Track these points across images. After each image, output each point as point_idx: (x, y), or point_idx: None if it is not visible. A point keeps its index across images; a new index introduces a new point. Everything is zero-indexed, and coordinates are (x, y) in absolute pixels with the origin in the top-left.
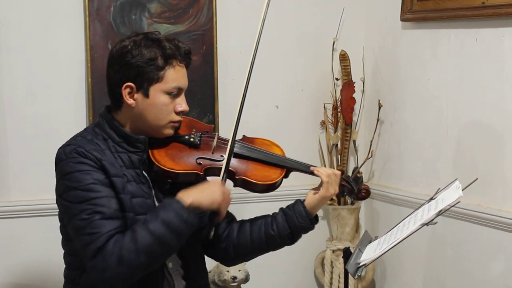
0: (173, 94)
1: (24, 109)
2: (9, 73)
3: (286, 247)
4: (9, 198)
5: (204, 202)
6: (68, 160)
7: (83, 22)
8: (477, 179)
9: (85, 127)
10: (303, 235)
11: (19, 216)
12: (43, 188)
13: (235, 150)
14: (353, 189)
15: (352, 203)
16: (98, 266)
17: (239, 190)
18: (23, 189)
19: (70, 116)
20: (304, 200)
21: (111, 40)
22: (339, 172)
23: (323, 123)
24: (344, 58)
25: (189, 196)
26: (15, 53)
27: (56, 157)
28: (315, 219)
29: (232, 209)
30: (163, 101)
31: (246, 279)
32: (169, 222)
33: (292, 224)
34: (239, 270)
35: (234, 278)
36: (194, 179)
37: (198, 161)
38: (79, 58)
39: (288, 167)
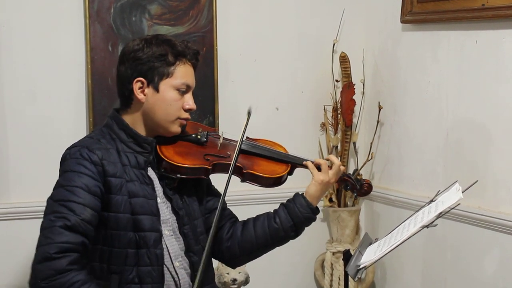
0: (182, 90)
1: (25, 111)
2: (10, 74)
3: (286, 249)
4: (10, 199)
5: None
6: (70, 159)
7: (83, 23)
8: (477, 181)
9: (85, 128)
10: (304, 232)
11: (20, 218)
12: (44, 190)
13: (241, 147)
14: (355, 184)
15: (356, 198)
16: (39, 272)
17: (242, 192)
18: (23, 191)
19: (70, 117)
20: (303, 192)
21: (111, 41)
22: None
23: (323, 125)
24: (344, 60)
25: None
26: (16, 54)
27: (61, 158)
28: (316, 209)
29: (235, 210)
30: (172, 96)
31: (246, 281)
32: None
33: (294, 215)
34: (239, 272)
35: (234, 280)
36: (203, 174)
37: (206, 157)
38: (79, 60)
39: (292, 162)
